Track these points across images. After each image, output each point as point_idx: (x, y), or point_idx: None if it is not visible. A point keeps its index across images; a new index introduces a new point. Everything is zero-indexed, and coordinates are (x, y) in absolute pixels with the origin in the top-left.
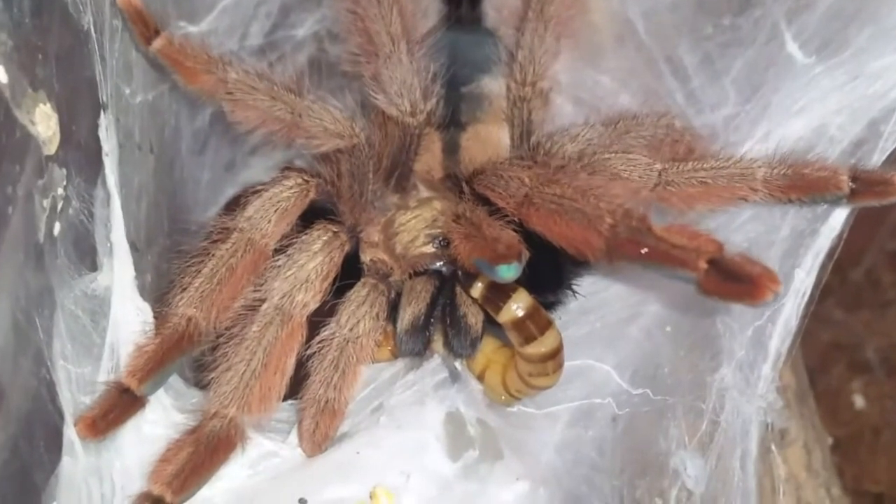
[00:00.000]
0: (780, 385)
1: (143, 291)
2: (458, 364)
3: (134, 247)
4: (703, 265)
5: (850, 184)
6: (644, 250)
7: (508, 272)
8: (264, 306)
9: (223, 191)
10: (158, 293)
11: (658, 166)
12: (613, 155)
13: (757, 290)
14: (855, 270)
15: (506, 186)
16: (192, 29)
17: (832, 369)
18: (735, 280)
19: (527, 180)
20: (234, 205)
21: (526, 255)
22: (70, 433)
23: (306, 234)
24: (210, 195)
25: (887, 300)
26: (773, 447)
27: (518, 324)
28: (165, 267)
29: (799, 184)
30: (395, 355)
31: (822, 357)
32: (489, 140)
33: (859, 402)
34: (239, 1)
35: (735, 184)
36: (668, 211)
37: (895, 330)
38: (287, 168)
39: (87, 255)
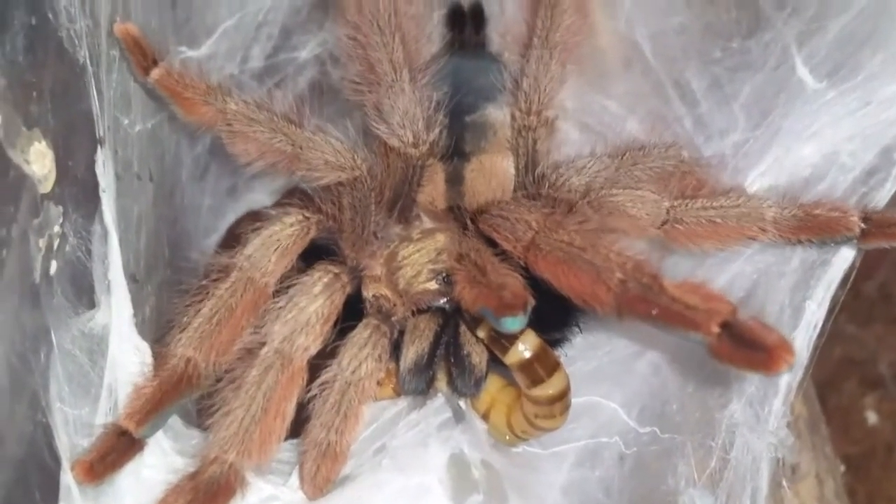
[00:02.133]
0: (791, 417)
1: (143, 325)
2: (461, 403)
3: (133, 278)
4: (715, 329)
5: (861, 225)
6: (655, 310)
7: (514, 324)
8: (264, 350)
9: (225, 216)
10: (158, 328)
11: (666, 204)
12: (621, 191)
13: (771, 361)
14: (867, 284)
15: (512, 229)
16: (192, 53)
17: (844, 385)
18: (748, 347)
19: (534, 224)
20: (235, 235)
21: (532, 303)
22: (67, 478)
23: (307, 275)
24: (211, 221)
25: None
26: (783, 482)
27: (525, 366)
28: (166, 298)
29: (809, 225)
30: (398, 394)
31: (833, 372)
32: (494, 171)
33: (872, 418)
34: (240, 23)
35: (744, 224)
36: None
37: None
38: (289, 197)
39: (84, 293)
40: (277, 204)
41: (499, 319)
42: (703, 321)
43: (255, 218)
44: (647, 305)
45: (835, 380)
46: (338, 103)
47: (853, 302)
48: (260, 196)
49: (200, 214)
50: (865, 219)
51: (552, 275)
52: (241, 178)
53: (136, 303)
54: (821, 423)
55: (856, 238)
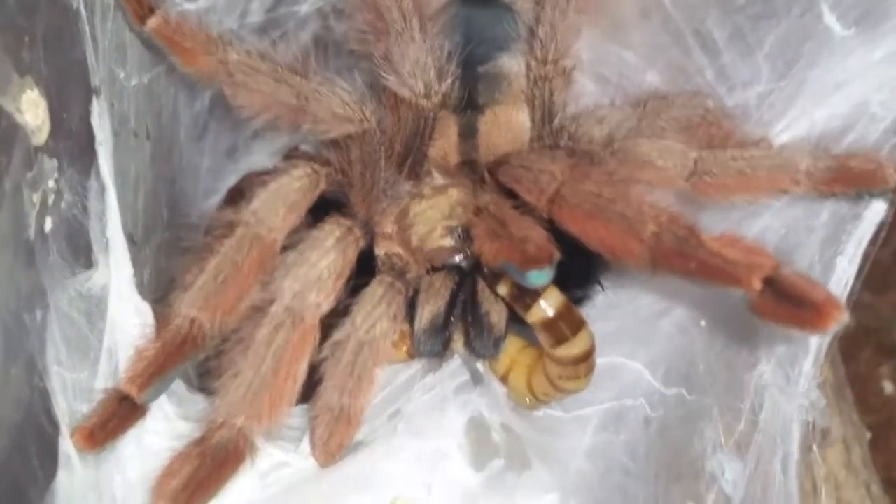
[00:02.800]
0: (821, 379)
1: (142, 288)
2: (479, 365)
3: (131, 240)
4: (757, 285)
5: None
6: (692, 264)
7: (540, 278)
8: (273, 307)
9: (225, 178)
10: (158, 290)
11: (694, 154)
12: (645, 141)
13: (818, 318)
14: (882, 251)
15: (535, 180)
16: (189, 6)
17: (860, 354)
18: (793, 304)
19: (559, 174)
20: (237, 193)
21: (558, 256)
22: (66, 445)
23: (318, 228)
24: (211, 183)
25: None
26: (814, 447)
27: (549, 324)
28: (165, 261)
29: (843, 177)
30: (412, 356)
31: (849, 342)
32: (509, 123)
33: (889, 387)
34: None
35: (776, 175)
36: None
37: None
38: (293, 154)
39: (81, 252)
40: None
41: (524, 274)
42: (744, 276)
43: (255, 180)
44: (684, 259)
45: (850, 349)
46: (342, 59)
47: (868, 269)
48: (260, 157)
49: (199, 175)
50: None
51: (579, 228)
52: (241, 138)
53: (135, 265)
54: (846, 389)
55: (891, 190)
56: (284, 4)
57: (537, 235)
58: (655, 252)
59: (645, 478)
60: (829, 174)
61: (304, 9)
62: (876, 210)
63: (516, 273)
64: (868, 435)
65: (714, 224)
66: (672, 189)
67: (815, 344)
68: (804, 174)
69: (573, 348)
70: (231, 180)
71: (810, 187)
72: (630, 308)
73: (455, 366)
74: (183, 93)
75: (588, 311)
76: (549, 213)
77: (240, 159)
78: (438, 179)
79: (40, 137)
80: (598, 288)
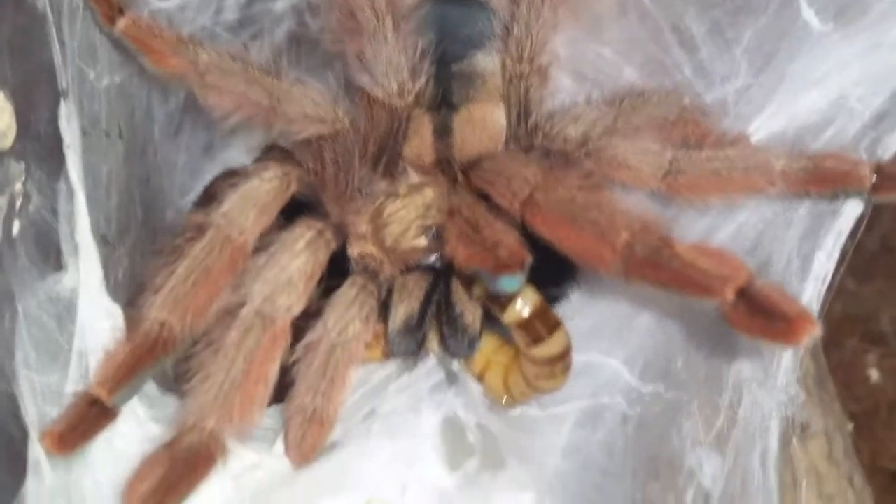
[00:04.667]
0: (801, 373)
1: (116, 288)
2: (455, 364)
3: (105, 240)
4: (730, 296)
5: (873, 178)
6: (665, 275)
7: (511, 284)
8: (244, 310)
9: (201, 174)
10: (132, 289)
11: (669, 154)
12: (621, 141)
13: (791, 332)
14: (868, 237)
15: (508, 184)
16: (162, 5)
17: (845, 342)
18: (766, 316)
19: (531, 178)
20: (213, 190)
21: (529, 261)
22: (35, 450)
23: (288, 231)
24: (187, 180)
25: None
26: (794, 441)
27: (525, 325)
28: (139, 260)
29: (819, 177)
30: (387, 356)
31: (834, 329)
32: (484, 121)
33: (874, 375)
34: None
35: (752, 176)
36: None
37: None
38: (269, 151)
39: (50, 255)
40: (256, 162)
41: (495, 279)
42: (717, 287)
43: (232, 177)
44: (656, 269)
45: (836, 337)
46: (317, 56)
47: (853, 256)
48: (237, 154)
49: (175, 172)
50: (877, 171)
51: (552, 234)
52: (217, 134)
53: (108, 266)
54: (828, 380)
55: (866, 191)
56: (259, 1)
57: (509, 240)
58: (628, 261)
59: (622, 475)
60: (805, 175)
61: (279, 6)
62: (854, 204)
63: (488, 278)
64: (850, 426)
65: (691, 220)
66: (647, 189)
67: None
68: (779, 175)
69: (549, 348)
70: (208, 177)
71: (786, 188)
72: (607, 304)
73: (430, 365)
74: (157, 91)
75: (564, 309)
76: (522, 218)
77: (216, 155)
78: (414, 177)
79: (6, 142)
80: (574, 285)
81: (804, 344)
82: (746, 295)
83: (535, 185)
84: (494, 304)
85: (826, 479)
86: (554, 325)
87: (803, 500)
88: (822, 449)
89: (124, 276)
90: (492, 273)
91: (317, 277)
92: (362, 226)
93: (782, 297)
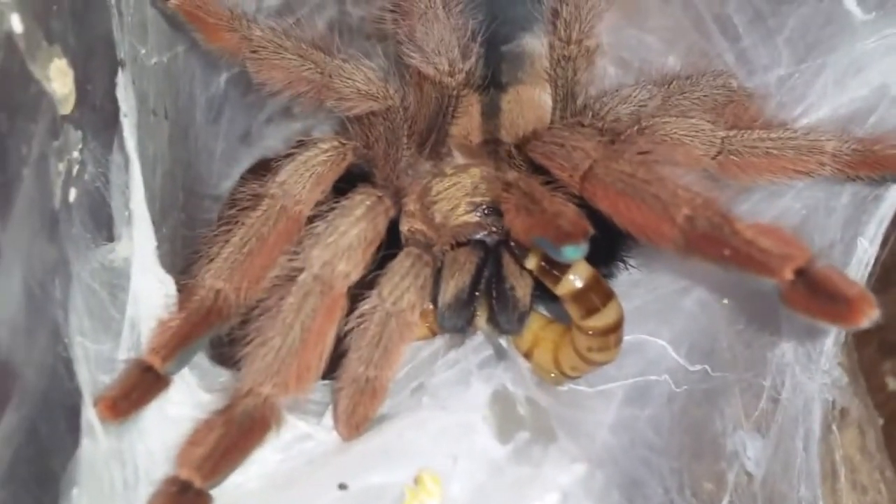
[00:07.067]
0: (843, 357)
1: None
2: (503, 341)
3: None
4: (790, 275)
5: None
6: (726, 251)
7: (575, 253)
8: (302, 276)
9: (238, 163)
10: (173, 270)
11: (721, 133)
12: (673, 119)
13: (850, 313)
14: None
15: (567, 157)
16: None
17: (863, 351)
18: (825, 297)
19: (591, 151)
20: (253, 174)
21: (591, 232)
22: (89, 414)
23: (347, 198)
24: (224, 167)
25: None
26: (833, 427)
27: (579, 296)
28: (180, 243)
29: (869, 160)
30: (434, 332)
31: (852, 338)
32: (531, 102)
33: (892, 384)
34: None
35: (802, 157)
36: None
37: None
38: (257, 168)
39: (103, 225)
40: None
41: (558, 249)
42: (776, 266)
43: (265, 167)
44: (717, 245)
45: (853, 346)
46: (358, 44)
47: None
48: (273, 143)
49: (214, 159)
50: None
51: (612, 207)
52: (255, 122)
53: None
54: (859, 374)
55: None
56: None
57: (571, 211)
58: (688, 236)
59: (669, 452)
60: (856, 157)
61: None
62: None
63: (550, 248)
64: (881, 421)
65: (735, 205)
66: (698, 168)
67: None
68: (830, 156)
69: (603, 319)
70: (244, 165)
71: (836, 170)
72: (651, 286)
73: (478, 342)
74: (200, 74)
75: None
76: (581, 191)
77: (253, 143)
78: (459, 159)
79: (66, 107)
80: (622, 266)
81: (863, 325)
82: (806, 275)
83: (595, 159)
84: (548, 278)
85: (859, 469)
86: (608, 296)
87: (843, 489)
88: (856, 440)
89: (166, 256)
90: (555, 243)
91: (375, 244)
92: (411, 203)
93: (841, 278)
